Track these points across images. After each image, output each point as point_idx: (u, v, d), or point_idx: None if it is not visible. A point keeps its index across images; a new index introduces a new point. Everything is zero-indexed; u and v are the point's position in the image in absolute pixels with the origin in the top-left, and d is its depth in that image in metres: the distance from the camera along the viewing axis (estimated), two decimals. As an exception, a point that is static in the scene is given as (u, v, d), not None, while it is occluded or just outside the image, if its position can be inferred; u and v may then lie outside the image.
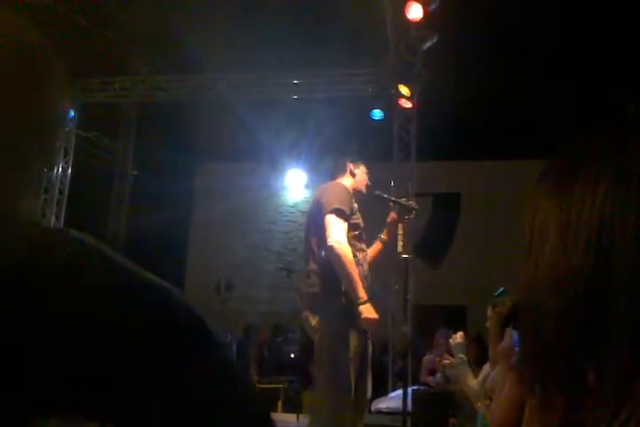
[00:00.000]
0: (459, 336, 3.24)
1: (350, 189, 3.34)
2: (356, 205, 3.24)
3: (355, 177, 3.40)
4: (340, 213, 3.03)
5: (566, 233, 0.48)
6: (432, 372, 5.74)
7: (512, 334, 2.57)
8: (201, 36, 7.45)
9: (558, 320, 0.46)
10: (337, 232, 2.97)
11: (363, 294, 2.89)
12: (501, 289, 3.13)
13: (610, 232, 0.45)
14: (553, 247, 0.48)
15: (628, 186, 0.46)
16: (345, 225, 3.03)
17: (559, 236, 0.48)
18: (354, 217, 3.17)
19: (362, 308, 2.88)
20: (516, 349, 2.55)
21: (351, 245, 3.05)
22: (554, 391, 0.47)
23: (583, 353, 0.45)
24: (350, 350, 2.92)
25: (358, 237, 3.19)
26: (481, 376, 2.97)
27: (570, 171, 0.51)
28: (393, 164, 7.29)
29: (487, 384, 2.80)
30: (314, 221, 3.17)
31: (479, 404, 3.15)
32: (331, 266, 2.97)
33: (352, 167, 3.41)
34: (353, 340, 2.95)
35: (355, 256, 3.05)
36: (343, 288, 2.97)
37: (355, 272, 2.93)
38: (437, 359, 5.65)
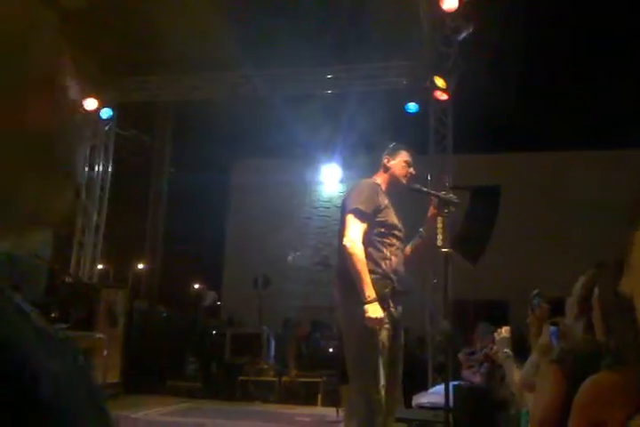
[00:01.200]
0: (504, 331, 3.20)
1: (384, 185, 3.34)
2: (385, 202, 3.24)
3: (390, 170, 3.38)
4: (358, 212, 3.11)
5: None
6: (471, 365, 5.70)
7: (550, 331, 2.55)
8: (235, 32, 7.50)
9: None
10: (352, 231, 3.06)
11: (370, 293, 2.94)
12: (536, 291, 3.11)
13: None
14: None
15: None
16: (362, 225, 3.10)
17: None
18: (380, 215, 3.19)
19: (367, 307, 2.93)
20: (555, 344, 2.53)
21: (377, 241, 3.12)
22: None
23: None
24: (379, 344, 2.95)
25: (386, 233, 3.22)
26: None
27: None
28: (429, 157, 7.22)
29: (521, 377, 2.78)
30: (341, 218, 3.26)
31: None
32: (343, 267, 3.08)
33: (386, 161, 3.39)
34: (382, 332, 2.98)
35: (380, 251, 3.12)
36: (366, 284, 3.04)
37: (363, 271, 3.00)
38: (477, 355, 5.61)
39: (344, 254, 3.07)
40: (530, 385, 2.73)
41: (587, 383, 0.88)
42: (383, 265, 3.13)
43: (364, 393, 2.94)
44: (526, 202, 11.12)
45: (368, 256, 3.10)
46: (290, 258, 11.84)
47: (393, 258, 3.17)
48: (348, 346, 3.06)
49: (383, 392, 2.93)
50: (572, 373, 1.87)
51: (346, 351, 3.09)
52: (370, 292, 2.94)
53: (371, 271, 3.07)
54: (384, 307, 3.02)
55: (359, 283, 2.97)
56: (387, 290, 3.11)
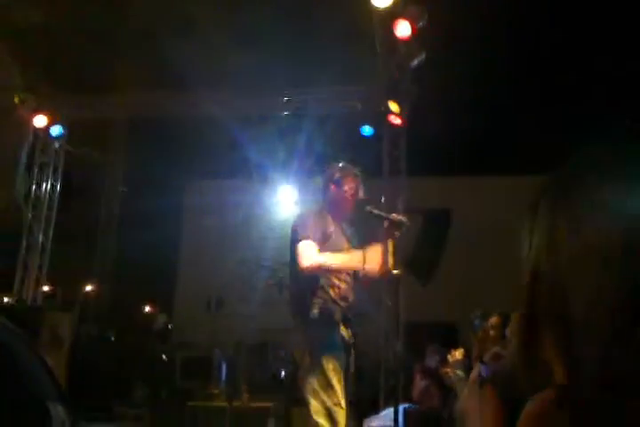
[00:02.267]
0: (458, 353, 3.23)
1: (331, 210, 3.38)
2: (331, 228, 3.29)
3: (335, 198, 3.41)
4: (305, 240, 3.23)
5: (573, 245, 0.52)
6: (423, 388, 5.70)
7: (480, 368, 2.61)
8: (191, 52, 7.49)
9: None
10: (304, 254, 3.19)
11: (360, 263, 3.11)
12: (477, 313, 3.16)
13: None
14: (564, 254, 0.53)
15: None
16: (309, 243, 3.20)
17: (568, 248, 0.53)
18: (327, 243, 3.23)
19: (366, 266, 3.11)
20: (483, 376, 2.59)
21: (327, 270, 3.18)
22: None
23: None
24: (327, 374, 2.97)
25: None
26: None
27: (569, 189, 0.54)
28: (383, 179, 7.30)
29: (460, 403, 2.80)
30: (290, 250, 3.33)
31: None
32: (295, 295, 3.17)
33: (333, 189, 3.42)
34: (328, 364, 2.99)
35: (328, 279, 3.21)
36: (312, 308, 3.08)
37: (344, 259, 3.18)
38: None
39: (313, 272, 3.15)
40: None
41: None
42: (331, 293, 3.20)
43: (323, 412, 2.93)
44: (477, 225, 11.34)
45: (316, 284, 3.14)
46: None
47: (342, 285, 3.24)
48: (303, 368, 3.06)
49: (342, 408, 2.94)
50: (504, 392, 1.90)
51: (301, 373, 3.08)
52: (359, 260, 3.11)
53: (319, 297, 3.14)
54: (334, 331, 3.04)
55: (354, 265, 3.15)
56: (337, 315, 3.14)
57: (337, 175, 3.42)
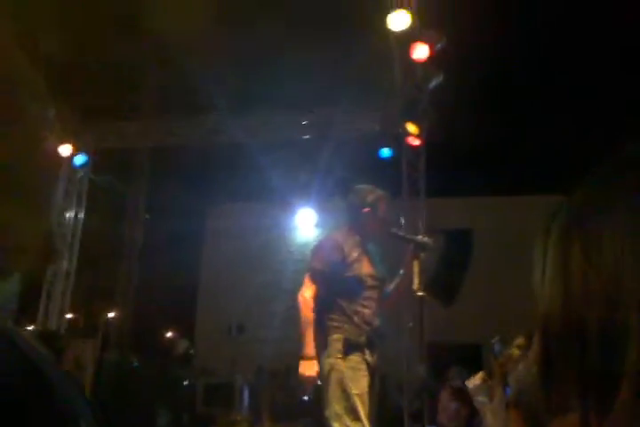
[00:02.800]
0: (477, 378, 3.16)
1: (358, 234, 3.36)
2: (355, 254, 3.27)
3: (368, 222, 3.38)
4: (312, 271, 3.26)
5: (587, 274, 0.48)
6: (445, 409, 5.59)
7: (505, 393, 2.56)
8: (212, 80, 7.63)
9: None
10: (304, 290, 3.21)
11: (308, 351, 3.05)
12: (496, 338, 3.11)
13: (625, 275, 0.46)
14: (577, 286, 0.49)
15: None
16: (312, 285, 3.22)
17: (581, 276, 0.49)
18: (349, 269, 3.22)
19: (301, 363, 3.04)
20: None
21: (348, 296, 3.21)
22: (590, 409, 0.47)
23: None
24: (356, 384, 2.94)
25: (358, 286, 3.27)
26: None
27: (582, 212, 0.51)
28: (403, 201, 7.28)
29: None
30: None
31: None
32: (323, 314, 3.18)
33: (367, 213, 3.38)
34: (358, 373, 2.97)
35: (352, 305, 3.18)
36: (342, 326, 3.09)
37: (305, 328, 3.12)
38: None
39: (315, 302, 3.18)
40: None
41: None
42: (355, 319, 3.17)
43: None
44: (500, 245, 11.21)
45: (339, 310, 3.17)
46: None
47: (366, 311, 3.21)
48: (326, 393, 3.02)
49: None
50: (530, 413, 1.83)
51: (324, 398, 3.04)
52: (308, 350, 3.05)
53: (344, 322, 3.13)
54: (361, 355, 3.04)
55: (301, 338, 3.10)
56: (362, 338, 3.11)
57: (371, 198, 3.40)
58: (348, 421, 2.89)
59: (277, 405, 8.10)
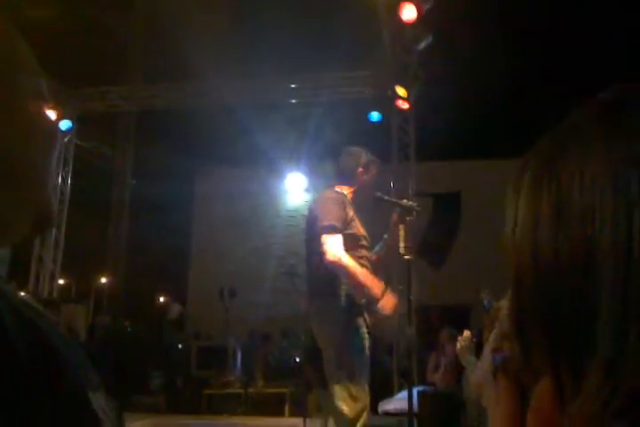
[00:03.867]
0: (464, 338, 3.21)
1: (349, 195, 3.34)
2: (351, 213, 3.24)
3: (361, 183, 3.37)
4: (331, 228, 3.11)
5: (557, 223, 0.47)
6: (436, 369, 5.75)
7: (492, 359, 2.60)
8: (198, 42, 7.47)
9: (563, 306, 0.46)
10: (333, 247, 3.06)
11: (376, 291, 3.01)
12: (485, 292, 3.16)
13: (599, 219, 0.44)
14: (549, 233, 0.47)
15: (616, 171, 0.45)
16: (338, 238, 3.09)
17: (551, 225, 0.47)
18: (348, 227, 3.19)
19: (381, 301, 3.00)
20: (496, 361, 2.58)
21: (349, 255, 3.13)
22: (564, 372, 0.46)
23: (580, 337, 0.45)
24: (363, 347, 2.97)
25: (355, 245, 3.22)
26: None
27: (552, 160, 0.50)
28: (392, 165, 7.28)
29: (475, 379, 2.80)
30: (310, 230, 3.24)
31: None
32: (322, 272, 3.08)
33: (360, 173, 3.37)
34: (354, 351, 2.99)
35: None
36: (340, 290, 3.06)
37: (367, 275, 3.03)
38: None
39: (335, 270, 3.06)
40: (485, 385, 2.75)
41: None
42: None
43: (348, 398, 2.91)
44: (488, 208, 11.28)
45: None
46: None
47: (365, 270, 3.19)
48: (330, 352, 3.02)
49: (365, 392, 2.94)
50: (517, 379, 1.84)
51: (326, 358, 3.05)
52: (377, 290, 3.02)
53: (344, 283, 3.08)
54: (362, 317, 3.04)
55: (370, 286, 3.01)
56: (363, 300, 3.12)
57: (365, 159, 3.39)
58: (348, 383, 2.92)
59: (270, 367, 8.27)
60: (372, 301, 3.13)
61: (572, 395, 0.44)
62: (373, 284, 3.01)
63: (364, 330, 3.06)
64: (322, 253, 3.07)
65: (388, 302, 3.01)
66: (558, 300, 0.45)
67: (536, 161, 0.52)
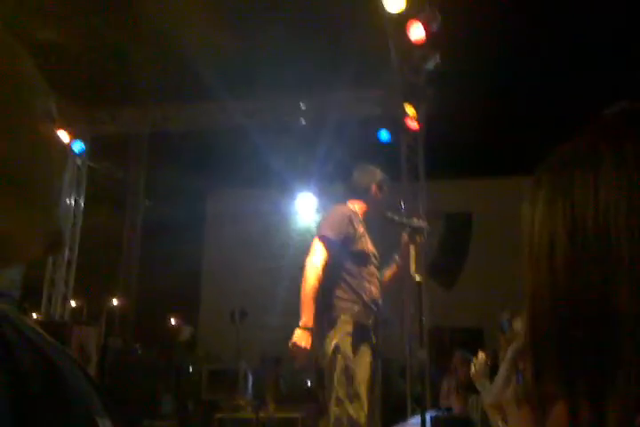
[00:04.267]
0: (479, 362, 3.12)
1: (360, 212, 3.31)
2: (361, 230, 3.20)
3: (373, 201, 3.35)
4: (324, 239, 3.09)
5: (574, 238, 0.45)
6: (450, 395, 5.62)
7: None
8: (208, 63, 7.53)
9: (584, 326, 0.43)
10: (314, 256, 3.03)
11: (307, 320, 2.88)
12: (507, 317, 3.08)
13: (615, 232, 0.43)
14: (565, 253, 0.46)
15: (629, 181, 0.43)
16: (324, 251, 3.06)
17: (568, 241, 0.46)
18: (356, 244, 3.15)
19: (296, 332, 2.87)
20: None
21: (354, 272, 3.08)
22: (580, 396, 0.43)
23: (605, 356, 0.42)
24: (362, 369, 2.89)
25: (363, 262, 3.17)
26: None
27: (566, 176, 0.49)
28: (402, 184, 7.25)
29: (490, 396, 2.71)
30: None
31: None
32: (328, 288, 3.02)
33: (374, 193, 3.35)
34: (364, 357, 2.92)
35: (359, 281, 3.08)
36: (352, 307, 3.00)
37: (309, 296, 2.93)
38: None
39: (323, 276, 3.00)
40: (499, 404, 2.66)
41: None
42: (364, 296, 3.07)
43: (345, 422, 2.84)
44: (500, 228, 11.17)
45: (348, 286, 3.06)
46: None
47: (372, 288, 3.13)
48: (329, 376, 2.96)
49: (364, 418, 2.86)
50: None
51: (327, 381, 2.98)
52: (307, 318, 2.88)
53: (353, 301, 3.03)
54: (369, 343, 2.98)
55: (301, 305, 2.91)
56: (370, 321, 3.06)
57: (378, 177, 3.38)
58: (349, 407, 2.86)
59: (281, 390, 8.15)
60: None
61: (591, 419, 0.42)
62: (307, 311, 2.89)
63: (369, 352, 2.99)
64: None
65: (299, 338, 2.83)
66: (576, 321, 0.43)
67: (550, 176, 0.51)
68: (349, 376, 2.88)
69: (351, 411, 2.82)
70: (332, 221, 3.20)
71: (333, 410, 2.88)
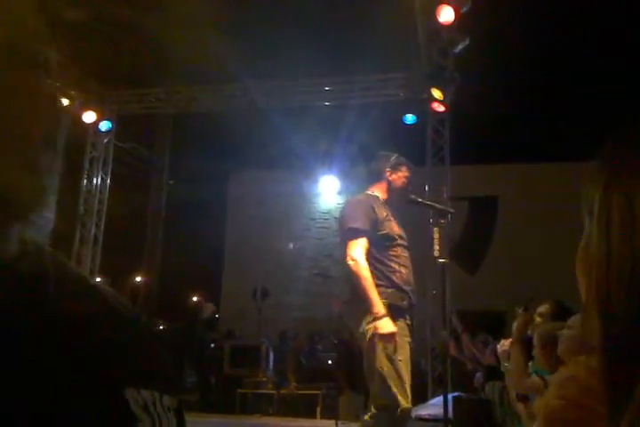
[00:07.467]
0: (506, 344, 3.18)
1: (383, 196, 3.36)
2: (384, 214, 3.24)
3: (390, 184, 3.39)
4: (354, 232, 3.13)
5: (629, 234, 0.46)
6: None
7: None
8: (233, 44, 7.54)
9: None
10: (353, 251, 3.08)
11: (379, 309, 2.93)
12: (522, 308, 3.13)
13: None
14: (618, 247, 0.47)
15: None
16: (360, 242, 3.11)
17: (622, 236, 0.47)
18: (381, 228, 3.18)
19: (378, 323, 2.91)
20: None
21: (383, 256, 3.12)
22: None
23: None
24: (401, 349, 2.93)
25: (391, 245, 3.20)
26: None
27: (622, 167, 0.50)
28: (427, 168, 7.23)
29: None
30: (339, 234, 3.30)
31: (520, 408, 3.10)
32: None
33: (388, 174, 3.39)
34: (402, 338, 2.96)
35: (388, 266, 3.12)
36: (384, 291, 3.04)
37: (369, 289, 2.98)
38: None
39: (349, 273, 3.07)
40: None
41: None
42: (395, 279, 3.11)
43: (392, 406, 2.88)
44: (525, 213, 11.12)
45: (378, 272, 3.10)
46: (291, 246, 11.90)
47: (402, 270, 3.16)
48: (372, 362, 2.96)
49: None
50: (529, 347, 1.90)
51: (368, 367, 3.02)
52: (379, 308, 2.93)
53: (385, 286, 3.07)
54: (404, 320, 3.03)
55: (367, 301, 2.96)
56: (404, 302, 3.09)
57: (395, 163, 3.42)
58: (392, 387, 2.90)
59: (302, 368, 8.29)
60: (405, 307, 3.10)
61: None
62: (374, 302, 2.94)
63: (406, 333, 3.02)
64: (345, 256, 3.11)
65: (384, 327, 2.90)
66: None
67: (607, 167, 0.51)
68: (389, 357, 2.92)
69: (394, 389, 2.86)
70: (354, 212, 3.25)
71: (375, 389, 2.93)
